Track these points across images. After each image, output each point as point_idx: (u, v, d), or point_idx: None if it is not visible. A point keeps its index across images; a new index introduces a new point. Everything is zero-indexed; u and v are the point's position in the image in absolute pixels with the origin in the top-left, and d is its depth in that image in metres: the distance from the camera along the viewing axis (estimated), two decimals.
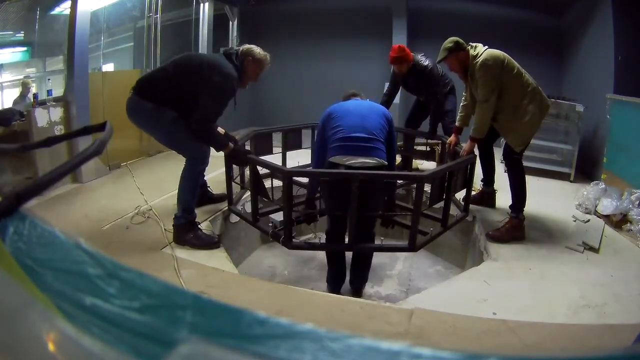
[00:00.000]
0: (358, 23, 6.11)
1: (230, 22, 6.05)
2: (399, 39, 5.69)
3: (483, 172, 3.07)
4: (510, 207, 2.65)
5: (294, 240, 2.39)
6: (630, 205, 2.74)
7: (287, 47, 6.30)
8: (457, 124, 2.98)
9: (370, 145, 2.25)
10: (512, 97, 2.53)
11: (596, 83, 3.91)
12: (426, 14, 5.71)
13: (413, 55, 3.49)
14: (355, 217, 2.17)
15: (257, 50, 2.54)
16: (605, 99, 3.44)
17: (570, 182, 3.76)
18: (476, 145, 2.79)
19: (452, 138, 2.97)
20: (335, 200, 2.30)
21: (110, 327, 0.47)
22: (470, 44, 2.61)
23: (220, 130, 2.74)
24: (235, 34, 6.06)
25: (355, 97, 2.59)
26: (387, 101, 3.75)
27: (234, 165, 2.77)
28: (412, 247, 2.31)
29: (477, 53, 2.54)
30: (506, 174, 2.73)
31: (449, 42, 2.60)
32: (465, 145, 2.76)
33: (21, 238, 0.60)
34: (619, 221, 2.75)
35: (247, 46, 2.55)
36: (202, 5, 5.34)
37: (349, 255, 2.57)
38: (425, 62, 3.51)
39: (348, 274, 2.57)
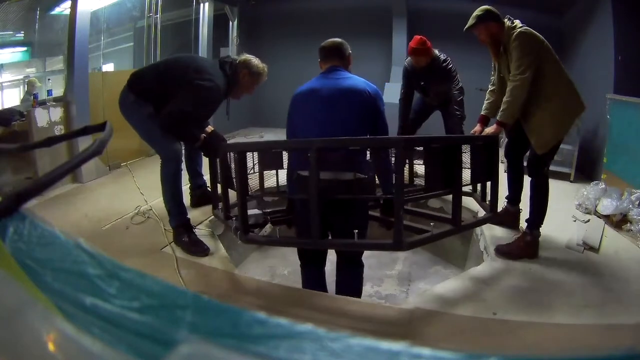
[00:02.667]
0: (358, 23, 6.11)
1: (230, 22, 6.05)
2: (399, 39, 5.70)
3: (509, 189, 2.70)
4: (527, 221, 2.42)
5: (251, 233, 2.01)
6: (630, 205, 2.74)
7: (287, 47, 6.31)
8: (483, 112, 2.58)
9: (343, 156, 1.83)
10: (545, 85, 2.23)
11: (596, 83, 3.91)
12: (426, 14, 5.71)
13: (433, 50, 3.29)
14: (315, 202, 1.71)
15: (254, 62, 2.48)
16: (605, 99, 3.44)
17: (570, 182, 3.76)
18: (505, 159, 2.57)
19: (476, 128, 2.52)
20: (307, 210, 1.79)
21: (110, 327, 0.47)
22: (508, 16, 2.33)
23: (209, 128, 2.68)
24: (235, 34, 6.06)
25: (336, 69, 2.03)
26: (406, 105, 3.57)
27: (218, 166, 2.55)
28: (398, 245, 1.71)
29: (515, 25, 2.28)
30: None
31: (480, 9, 2.32)
32: (488, 128, 2.37)
33: (21, 238, 0.61)
34: (619, 221, 2.74)
35: (244, 57, 2.50)
36: (202, 5, 5.34)
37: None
38: (445, 57, 3.35)
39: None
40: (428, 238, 1.91)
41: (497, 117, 2.34)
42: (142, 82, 2.39)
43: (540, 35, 2.26)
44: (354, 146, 1.85)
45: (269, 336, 0.46)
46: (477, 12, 2.32)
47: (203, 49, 5.33)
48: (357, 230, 1.78)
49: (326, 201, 1.78)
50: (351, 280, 2.10)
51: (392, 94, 5.37)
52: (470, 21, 2.33)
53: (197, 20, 5.36)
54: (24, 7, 4.16)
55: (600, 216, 2.88)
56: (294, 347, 0.43)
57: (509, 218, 2.69)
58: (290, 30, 6.40)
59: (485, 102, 2.59)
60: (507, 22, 2.30)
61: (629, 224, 2.67)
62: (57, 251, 0.63)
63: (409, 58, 3.40)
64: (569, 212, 2.97)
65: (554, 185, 3.61)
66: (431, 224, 1.94)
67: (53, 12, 4.35)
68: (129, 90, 2.38)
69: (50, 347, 0.35)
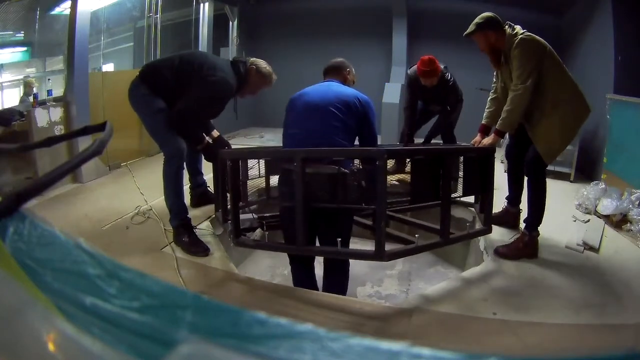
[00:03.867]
0: (358, 23, 6.11)
1: (230, 22, 6.05)
2: (399, 39, 5.70)
3: (510, 189, 2.69)
4: (525, 221, 2.39)
5: (242, 237, 2.11)
6: (630, 205, 2.74)
7: (287, 47, 6.31)
8: (484, 121, 2.53)
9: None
10: (551, 91, 2.20)
11: (596, 83, 3.91)
12: (426, 14, 5.71)
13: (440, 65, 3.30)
14: (301, 209, 1.79)
15: (263, 65, 2.53)
16: (605, 99, 3.44)
17: (570, 182, 3.76)
18: (506, 160, 2.58)
19: (476, 138, 2.46)
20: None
21: (110, 327, 0.47)
22: (509, 22, 2.27)
23: (215, 133, 2.70)
24: (235, 34, 6.07)
25: (331, 79, 2.23)
26: (411, 115, 3.63)
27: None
28: (379, 255, 1.75)
29: (516, 32, 2.22)
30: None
31: (479, 17, 2.26)
32: (485, 139, 2.36)
33: (21, 238, 0.61)
34: (619, 221, 2.74)
35: (255, 59, 2.56)
36: (202, 5, 5.34)
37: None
38: (449, 75, 3.40)
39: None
40: (411, 250, 1.93)
41: (496, 126, 2.32)
42: (156, 75, 2.37)
43: (543, 40, 2.21)
44: (338, 156, 1.91)
45: (269, 336, 0.46)
46: (477, 19, 2.28)
47: (203, 49, 5.33)
48: (339, 237, 1.85)
49: (311, 205, 1.83)
50: (335, 283, 2.14)
51: (392, 94, 5.37)
52: (470, 28, 2.30)
53: (197, 20, 5.36)
54: (24, 7, 4.17)
55: (600, 216, 2.88)
56: (294, 347, 0.43)
57: (508, 218, 2.69)
58: (290, 30, 6.40)
59: (486, 110, 2.53)
60: (507, 30, 2.25)
61: (629, 224, 2.67)
62: (57, 251, 0.63)
63: (413, 68, 3.43)
64: (569, 212, 2.97)
65: (554, 185, 3.62)
66: (416, 235, 1.97)
67: (53, 12, 4.35)
68: (141, 82, 2.36)
69: (50, 347, 0.35)
